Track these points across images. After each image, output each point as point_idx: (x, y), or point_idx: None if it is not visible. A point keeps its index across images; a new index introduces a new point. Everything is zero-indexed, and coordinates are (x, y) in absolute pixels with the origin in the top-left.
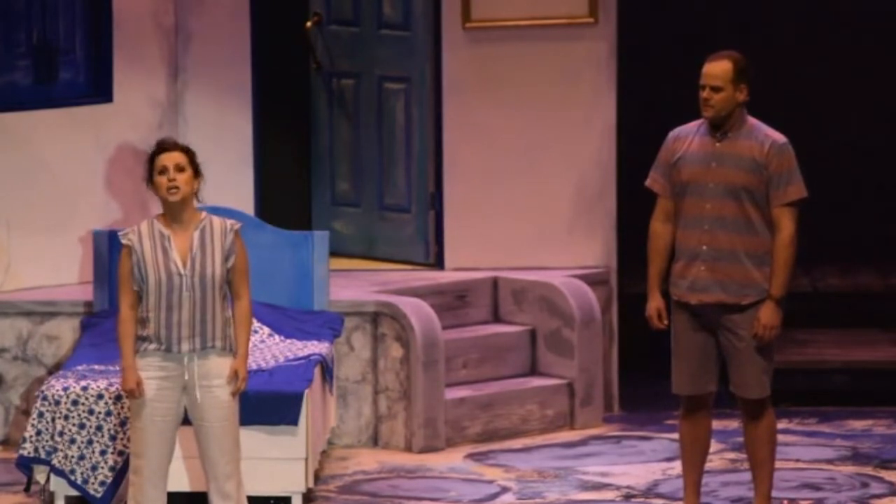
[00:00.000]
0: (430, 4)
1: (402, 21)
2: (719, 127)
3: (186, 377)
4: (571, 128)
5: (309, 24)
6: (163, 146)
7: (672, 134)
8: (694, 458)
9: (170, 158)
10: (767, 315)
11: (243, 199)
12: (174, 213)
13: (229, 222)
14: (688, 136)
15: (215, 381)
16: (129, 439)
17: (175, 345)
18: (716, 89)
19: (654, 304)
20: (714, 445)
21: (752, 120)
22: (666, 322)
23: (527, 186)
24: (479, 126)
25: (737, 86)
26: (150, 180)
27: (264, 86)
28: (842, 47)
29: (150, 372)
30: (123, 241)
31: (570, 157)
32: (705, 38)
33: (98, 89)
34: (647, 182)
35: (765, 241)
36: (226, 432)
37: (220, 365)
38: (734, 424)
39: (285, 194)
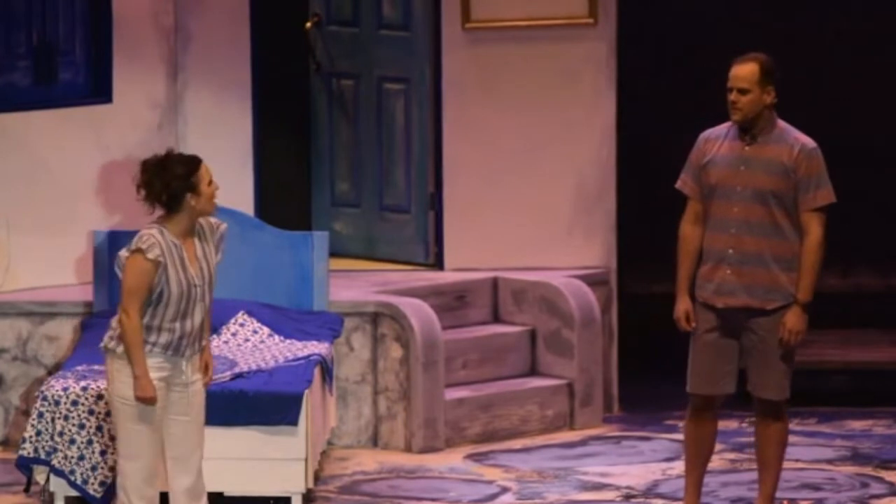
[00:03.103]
0: (430, 4)
1: (402, 21)
2: (748, 130)
3: (184, 377)
4: (571, 128)
5: (309, 24)
6: (195, 158)
7: (702, 136)
8: (696, 459)
9: (209, 169)
10: (793, 320)
11: (243, 199)
12: (193, 223)
13: (213, 221)
14: (718, 139)
15: (197, 375)
16: None
17: (182, 351)
18: (743, 91)
19: (683, 306)
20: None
21: (781, 123)
22: (693, 324)
23: (527, 186)
24: (479, 126)
25: (763, 88)
26: (182, 195)
27: (264, 86)
28: (841, 48)
29: (152, 373)
30: (150, 256)
31: (570, 158)
32: (705, 39)
33: (98, 90)
34: (678, 184)
35: (793, 246)
36: (201, 426)
37: (199, 360)
38: (734, 424)
39: (285, 194)
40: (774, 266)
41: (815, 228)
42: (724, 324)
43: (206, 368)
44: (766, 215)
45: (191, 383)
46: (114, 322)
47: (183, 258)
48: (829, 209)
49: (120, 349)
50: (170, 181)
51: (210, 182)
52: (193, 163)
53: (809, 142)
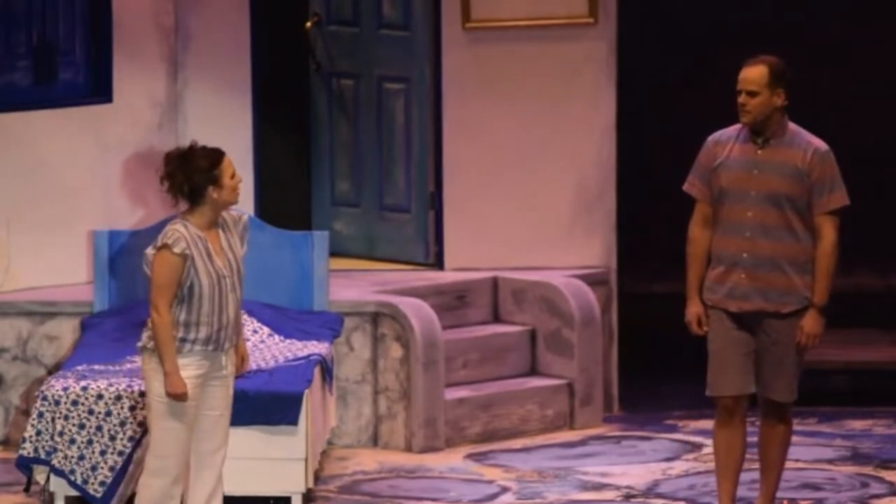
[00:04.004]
0: (430, 4)
1: (402, 21)
2: (760, 133)
3: (223, 371)
4: (571, 128)
5: (309, 24)
6: (218, 151)
7: (712, 138)
8: (729, 468)
9: (232, 162)
10: (811, 324)
11: (243, 199)
12: (217, 215)
13: (235, 214)
14: (728, 142)
15: (232, 368)
16: (128, 439)
17: (221, 344)
18: (752, 94)
19: (694, 309)
20: None
21: (793, 126)
22: (706, 328)
23: (527, 186)
24: (479, 126)
25: (773, 90)
26: (204, 187)
27: (264, 86)
28: (842, 48)
29: (190, 371)
30: (176, 250)
31: (570, 157)
32: (705, 38)
33: (98, 89)
34: (685, 186)
35: (807, 249)
36: (228, 422)
37: (236, 354)
38: None
39: (285, 194)
40: (789, 269)
41: (829, 231)
42: (738, 324)
43: (242, 361)
44: (780, 219)
45: (228, 376)
46: (150, 321)
47: (209, 250)
48: (841, 211)
49: None
50: (192, 173)
51: (233, 175)
52: (216, 156)
53: (822, 145)
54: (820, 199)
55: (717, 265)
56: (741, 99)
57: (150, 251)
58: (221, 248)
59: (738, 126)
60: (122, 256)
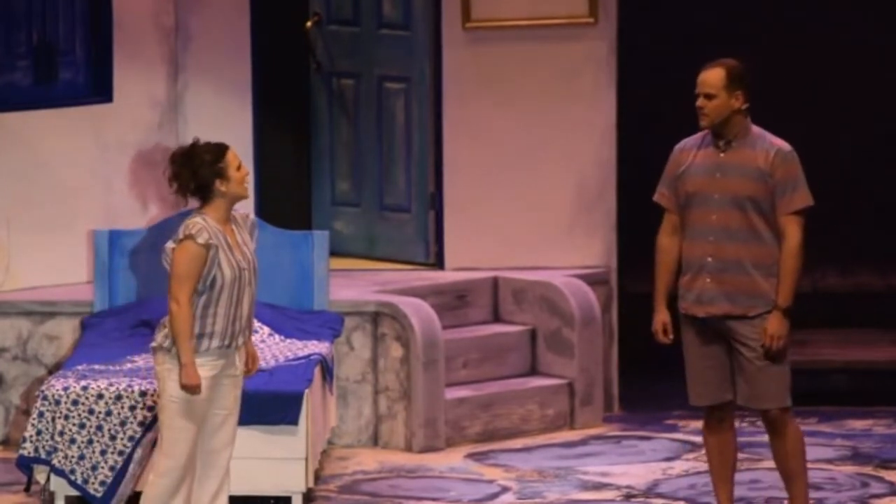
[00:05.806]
0: (430, 4)
1: (402, 21)
2: (722, 136)
3: (234, 369)
4: (571, 127)
5: (309, 23)
6: (222, 145)
7: (677, 147)
8: (724, 471)
9: (238, 155)
10: (775, 325)
11: None
12: (229, 209)
13: (243, 213)
14: (692, 148)
15: (241, 368)
16: (129, 439)
17: (235, 339)
18: (709, 97)
19: (660, 318)
20: None
21: (755, 128)
22: (671, 336)
23: (527, 186)
24: (479, 126)
25: (731, 93)
26: (211, 181)
27: (264, 86)
28: (842, 47)
29: (204, 371)
30: (200, 241)
31: (571, 157)
32: (705, 39)
33: (98, 89)
34: (655, 197)
35: (772, 251)
36: (236, 419)
37: (244, 354)
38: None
39: (285, 194)
40: (755, 272)
41: (792, 232)
42: (710, 332)
43: (252, 360)
44: (744, 221)
45: (238, 375)
46: (165, 321)
47: (228, 242)
48: (807, 212)
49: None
50: (197, 169)
51: (239, 167)
52: (219, 149)
53: (785, 145)
54: (783, 200)
55: (686, 271)
56: (699, 102)
57: (170, 244)
58: (237, 242)
59: (702, 133)
60: (121, 256)
